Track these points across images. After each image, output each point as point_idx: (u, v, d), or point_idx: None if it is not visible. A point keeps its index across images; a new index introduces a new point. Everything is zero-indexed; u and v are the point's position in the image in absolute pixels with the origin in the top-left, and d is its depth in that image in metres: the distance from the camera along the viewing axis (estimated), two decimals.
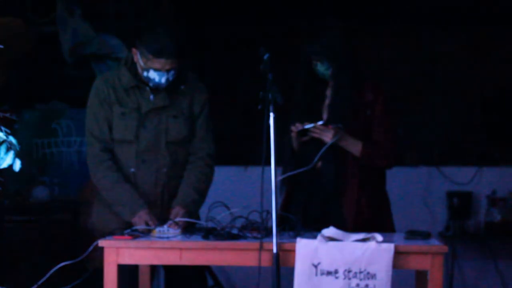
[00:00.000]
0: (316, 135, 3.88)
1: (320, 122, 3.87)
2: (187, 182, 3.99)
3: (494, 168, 6.47)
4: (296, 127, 3.91)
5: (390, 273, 3.34)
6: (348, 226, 3.81)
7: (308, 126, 3.87)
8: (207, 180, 4.05)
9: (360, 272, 3.35)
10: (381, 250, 3.34)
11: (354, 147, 3.92)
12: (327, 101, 4.03)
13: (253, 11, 7.04)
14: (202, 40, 6.96)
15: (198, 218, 4.00)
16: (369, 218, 3.93)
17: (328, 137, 3.86)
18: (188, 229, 3.74)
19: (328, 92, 4.03)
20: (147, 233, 3.68)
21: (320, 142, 3.88)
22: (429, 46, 7.04)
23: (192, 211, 3.93)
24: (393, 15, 7.04)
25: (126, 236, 3.54)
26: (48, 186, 6.21)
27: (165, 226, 3.67)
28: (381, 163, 3.97)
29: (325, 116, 4.00)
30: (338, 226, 3.48)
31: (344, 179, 3.94)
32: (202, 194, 4.02)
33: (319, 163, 3.91)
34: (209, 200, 3.96)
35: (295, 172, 3.88)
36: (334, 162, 3.92)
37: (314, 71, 4.00)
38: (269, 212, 3.46)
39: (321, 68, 3.97)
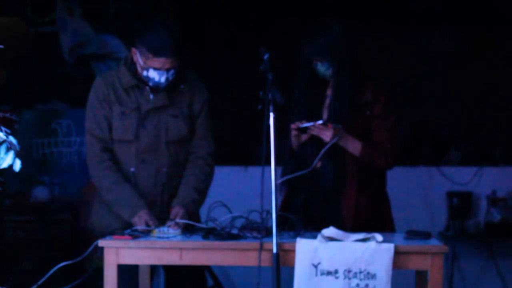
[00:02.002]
0: (315, 133, 3.88)
1: (320, 122, 3.87)
2: (187, 182, 3.99)
3: (494, 168, 6.47)
4: (295, 125, 3.91)
5: (390, 273, 3.34)
6: (347, 226, 3.81)
7: (307, 124, 3.87)
8: (207, 179, 4.05)
9: (360, 272, 3.35)
10: (381, 250, 3.34)
11: (354, 147, 3.92)
12: (327, 101, 4.03)
13: (253, 11, 7.04)
14: (202, 40, 6.96)
15: (198, 217, 4.00)
16: (368, 218, 3.93)
17: (327, 136, 3.85)
18: (188, 229, 3.74)
19: (329, 92, 4.03)
20: (147, 233, 3.67)
21: (319, 142, 3.88)
22: (428, 46, 7.05)
23: (192, 211, 3.93)
24: (393, 15, 7.04)
25: (126, 236, 3.54)
26: (48, 186, 6.21)
27: (165, 226, 3.67)
28: (380, 163, 3.97)
29: (325, 116, 4.00)
30: (337, 227, 3.47)
31: (343, 179, 3.93)
32: (202, 194, 4.01)
33: (319, 163, 3.90)
34: (209, 200, 3.96)
35: (294, 175, 3.88)
36: (333, 162, 3.91)
37: (314, 71, 3.99)
38: (269, 212, 3.46)
39: (321, 68, 3.96)
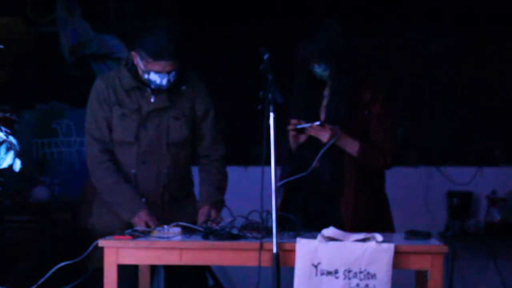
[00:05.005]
0: (312, 134, 3.88)
1: (317, 123, 3.87)
2: (209, 182, 3.98)
3: (494, 168, 6.47)
4: (293, 124, 3.90)
5: (390, 273, 3.34)
6: (346, 226, 3.80)
7: (304, 125, 3.87)
8: (225, 180, 4.05)
9: (360, 272, 3.35)
10: (381, 250, 3.34)
11: (352, 147, 3.92)
12: (324, 102, 4.03)
13: (253, 11, 7.04)
14: (202, 40, 6.96)
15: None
16: (367, 218, 3.93)
17: (325, 137, 3.85)
18: (188, 229, 3.74)
19: (326, 93, 4.03)
20: (147, 233, 3.67)
21: (318, 143, 3.88)
22: (428, 46, 7.04)
23: (218, 210, 3.93)
24: (393, 15, 7.04)
25: (126, 236, 3.54)
26: (48, 186, 6.21)
27: (165, 226, 3.67)
28: (378, 163, 3.96)
29: (322, 116, 4.00)
30: (336, 227, 3.47)
31: (341, 180, 3.93)
32: (223, 195, 4.02)
33: (317, 164, 3.90)
34: None
35: (293, 178, 3.88)
36: (331, 162, 3.91)
37: (311, 72, 3.99)
38: (269, 212, 3.46)
39: (319, 69, 3.96)
